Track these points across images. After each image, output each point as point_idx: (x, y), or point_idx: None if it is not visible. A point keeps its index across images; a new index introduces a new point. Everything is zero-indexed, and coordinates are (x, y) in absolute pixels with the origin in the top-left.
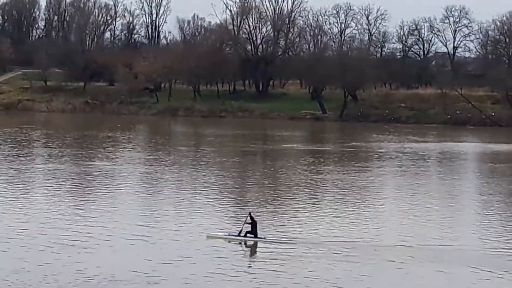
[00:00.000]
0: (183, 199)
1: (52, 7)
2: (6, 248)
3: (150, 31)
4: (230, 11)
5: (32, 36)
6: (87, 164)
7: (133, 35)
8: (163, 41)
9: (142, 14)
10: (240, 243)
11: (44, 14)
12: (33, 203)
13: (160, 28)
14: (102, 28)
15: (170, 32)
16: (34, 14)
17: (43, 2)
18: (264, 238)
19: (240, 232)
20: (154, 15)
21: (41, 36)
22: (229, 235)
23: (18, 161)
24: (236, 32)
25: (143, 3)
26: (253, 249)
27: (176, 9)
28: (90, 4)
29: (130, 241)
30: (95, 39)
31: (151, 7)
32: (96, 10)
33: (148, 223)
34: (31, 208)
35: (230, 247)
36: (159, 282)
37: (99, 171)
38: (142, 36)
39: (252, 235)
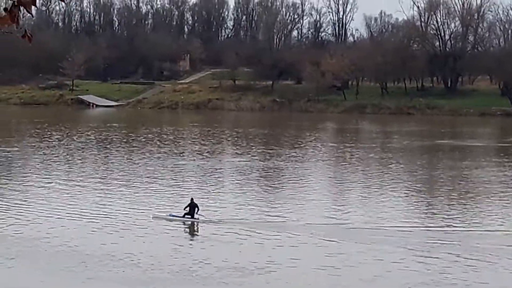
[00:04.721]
0: (370, 196)
1: (241, 7)
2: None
3: (337, 28)
4: (418, 7)
5: (221, 36)
6: (273, 161)
7: (320, 33)
8: (350, 39)
9: (329, 12)
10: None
11: (233, 14)
12: (223, 195)
13: (347, 26)
14: (289, 26)
15: (357, 30)
16: (223, 14)
17: (232, 2)
18: (198, 219)
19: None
20: (341, 13)
21: (229, 36)
22: (170, 215)
23: (208, 156)
24: (423, 28)
25: (330, 1)
26: (191, 228)
27: (363, 6)
28: (278, 3)
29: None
30: (283, 38)
31: (338, 4)
32: (283, 9)
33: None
34: (221, 200)
35: None
36: None
37: (285, 167)
38: (329, 34)
39: (189, 216)
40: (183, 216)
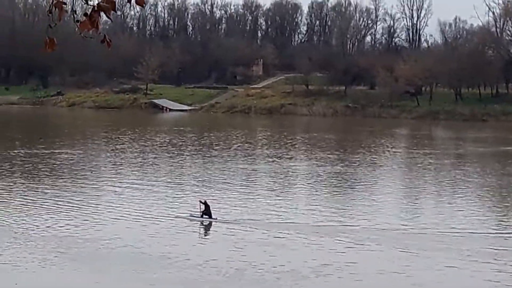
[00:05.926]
0: (435, 202)
1: (314, 12)
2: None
3: (411, 34)
4: (493, 13)
5: (294, 41)
6: (341, 166)
7: (393, 39)
8: (424, 44)
9: (402, 17)
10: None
11: (306, 19)
12: (293, 197)
13: (421, 31)
14: (363, 32)
15: (431, 35)
16: (296, 20)
17: (305, 8)
18: (216, 218)
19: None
20: (415, 18)
21: (303, 41)
22: (191, 215)
23: (278, 161)
24: (499, 34)
25: (404, 7)
26: (207, 227)
27: (438, 12)
28: (351, 8)
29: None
30: (356, 43)
31: (412, 10)
32: (357, 14)
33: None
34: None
35: None
36: None
37: (353, 172)
38: (402, 39)
39: (207, 216)
40: (201, 216)
